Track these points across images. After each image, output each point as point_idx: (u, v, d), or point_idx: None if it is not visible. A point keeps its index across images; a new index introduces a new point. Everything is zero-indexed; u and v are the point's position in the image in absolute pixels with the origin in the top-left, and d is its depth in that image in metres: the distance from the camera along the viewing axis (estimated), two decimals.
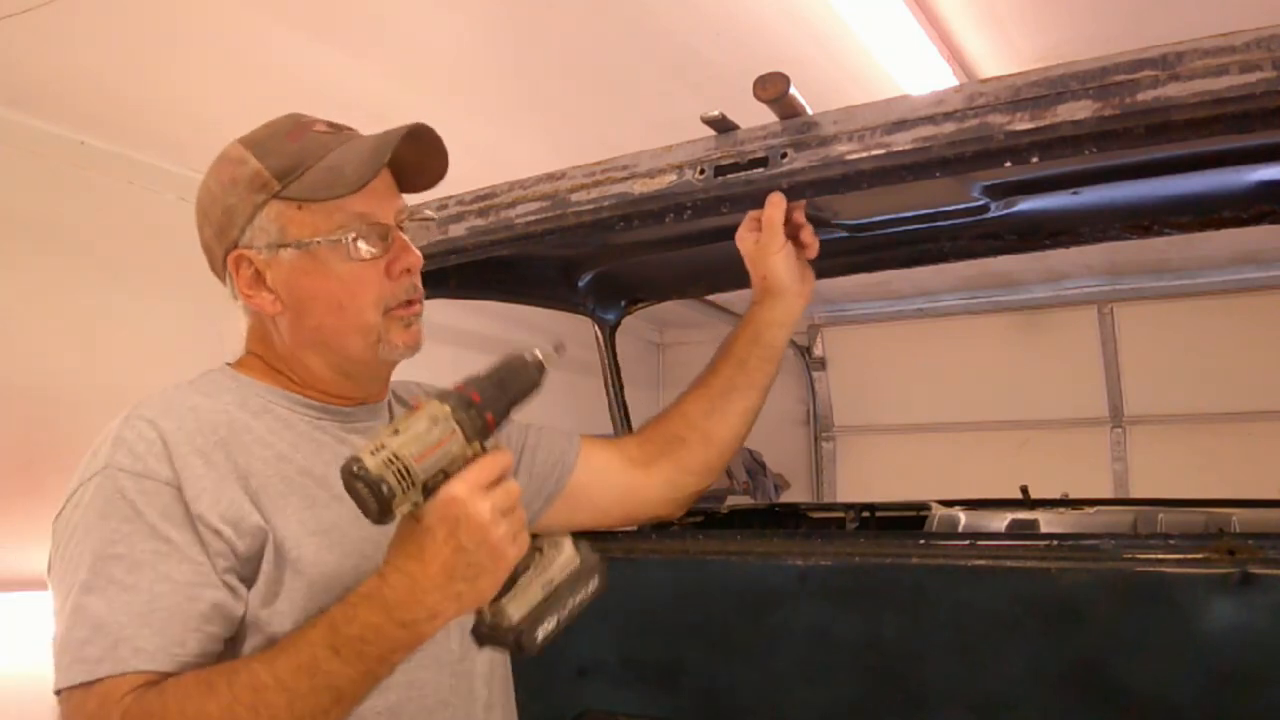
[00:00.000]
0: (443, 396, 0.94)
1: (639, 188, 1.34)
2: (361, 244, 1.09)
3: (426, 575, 0.91)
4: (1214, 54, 1.00)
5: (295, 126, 1.13)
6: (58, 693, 0.94)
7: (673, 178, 1.32)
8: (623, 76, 2.83)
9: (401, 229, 1.13)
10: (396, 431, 0.90)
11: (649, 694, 1.37)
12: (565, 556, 0.99)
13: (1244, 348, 4.82)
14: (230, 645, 1.00)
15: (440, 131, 1.13)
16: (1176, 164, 1.21)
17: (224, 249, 1.12)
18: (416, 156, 1.13)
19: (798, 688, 1.26)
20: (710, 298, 5.04)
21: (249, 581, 1.01)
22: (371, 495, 0.87)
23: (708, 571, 1.35)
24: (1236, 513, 1.95)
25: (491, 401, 0.95)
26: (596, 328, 2.10)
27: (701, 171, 1.30)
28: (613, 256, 1.76)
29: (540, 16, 2.48)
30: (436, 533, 0.91)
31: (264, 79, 2.75)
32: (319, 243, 1.08)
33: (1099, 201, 1.38)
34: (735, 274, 1.71)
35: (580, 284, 1.90)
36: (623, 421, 2.21)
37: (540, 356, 0.99)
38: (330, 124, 1.13)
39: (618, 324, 2.11)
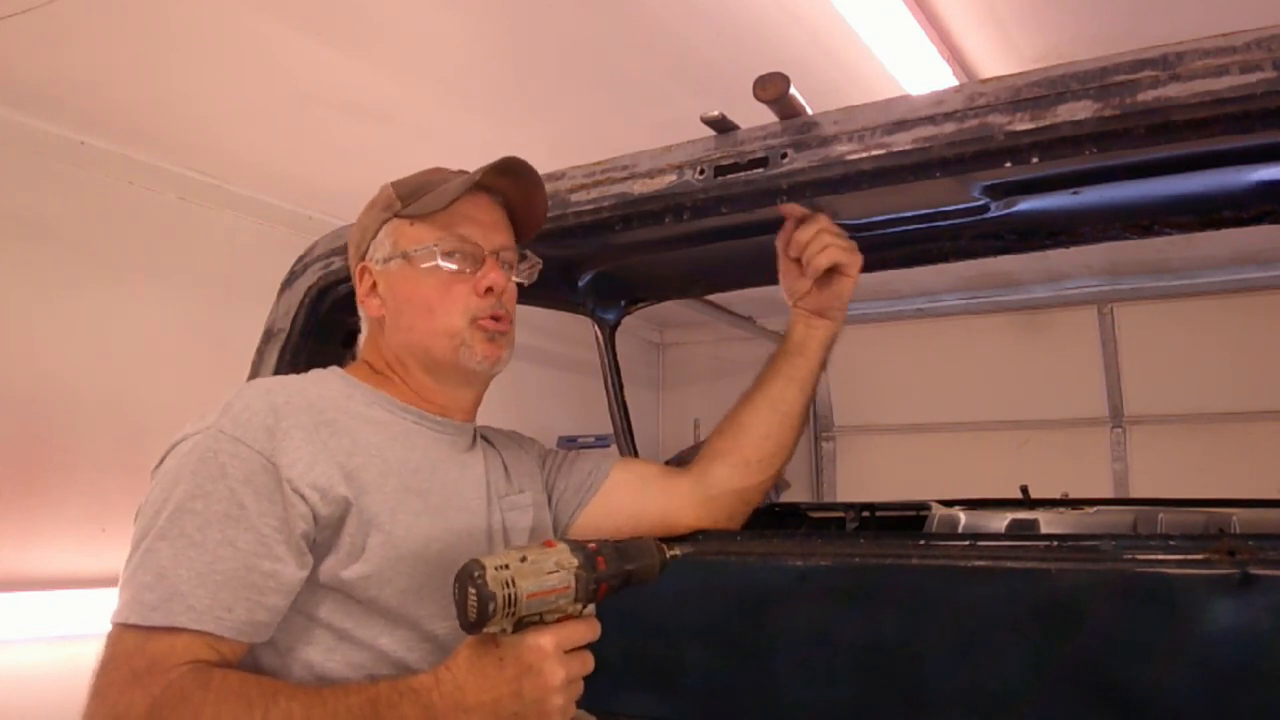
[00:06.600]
0: (575, 549, 0.98)
1: (639, 188, 1.34)
2: (449, 257, 1.23)
3: (477, 699, 0.95)
4: (1214, 54, 1.00)
5: (436, 169, 1.30)
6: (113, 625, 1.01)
7: (673, 178, 1.32)
8: (623, 76, 2.83)
9: (500, 260, 1.26)
10: (524, 559, 0.93)
11: (649, 694, 1.37)
12: None
13: (1244, 348, 4.82)
14: (309, 601, 1.08)
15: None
16: (1176, 164, 1.20)
17: (356, 263, 1.30)
18: (522, 196, 1.28)
19: (798, 688, 1.26)
20: (710, 298, 5.05)
21: (326, 546, 1.08)
22: (475, 605, 0.90)
23: (708, 571, 1.35)
24: (1236, 513, 1.94)
25: (611, 574, 0.99)
26: (596, 328, 2.10)
27: (701, 171, 1.30)
28: (613, 256, 1.75)
29: (540, 16, 2.48)
30: (507, 668, 0.95)
31: (264, 79, 2.75)
32: (417, 252, 1.23)
33: (1099, 201, 1.38)
34: (735, 274, 1.70)
35: (580, 284, 1.90)
36: (623, 421, 2.20)
37: (670, 554, 1.05)
38: (464, 171, 1.27)
39: (618, 324, 2.11)
